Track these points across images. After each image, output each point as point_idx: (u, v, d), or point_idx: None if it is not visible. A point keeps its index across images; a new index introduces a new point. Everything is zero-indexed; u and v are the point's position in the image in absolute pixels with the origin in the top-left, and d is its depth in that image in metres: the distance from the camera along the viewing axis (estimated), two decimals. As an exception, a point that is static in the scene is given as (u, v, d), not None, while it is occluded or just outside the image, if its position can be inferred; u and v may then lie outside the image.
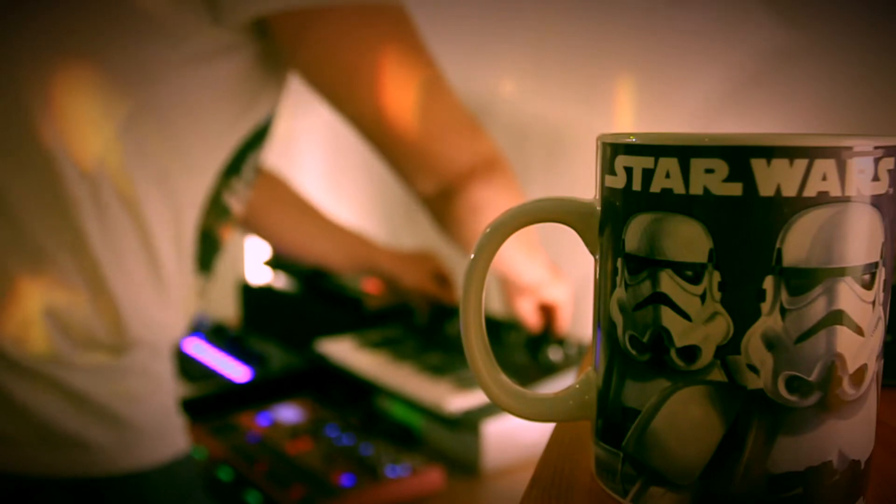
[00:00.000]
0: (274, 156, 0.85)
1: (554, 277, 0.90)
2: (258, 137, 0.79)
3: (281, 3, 0.65)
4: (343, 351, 1.12)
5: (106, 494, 0.71)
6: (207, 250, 0.79)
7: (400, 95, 0.72)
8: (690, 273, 0.28)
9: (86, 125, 0.66)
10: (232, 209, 0.80)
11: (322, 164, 1.71)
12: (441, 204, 0.81)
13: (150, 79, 0.66)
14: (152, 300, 0.72)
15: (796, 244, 0.27)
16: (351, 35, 0.70)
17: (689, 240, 0.28)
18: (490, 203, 0.78)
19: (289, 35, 0.69)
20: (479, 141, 0.80)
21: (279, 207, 1.08)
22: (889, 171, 0.28)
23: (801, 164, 0.26)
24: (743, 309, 0.28)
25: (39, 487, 0.69)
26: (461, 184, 0.79)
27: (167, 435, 0.76)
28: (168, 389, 0.77)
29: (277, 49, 0.72)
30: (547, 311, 0.95)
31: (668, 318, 0.29)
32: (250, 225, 1.07)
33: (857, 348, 0.28)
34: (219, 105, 0.71)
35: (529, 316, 0.93)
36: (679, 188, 0.28)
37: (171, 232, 0.72)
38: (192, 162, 0.72)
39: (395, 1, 0.71)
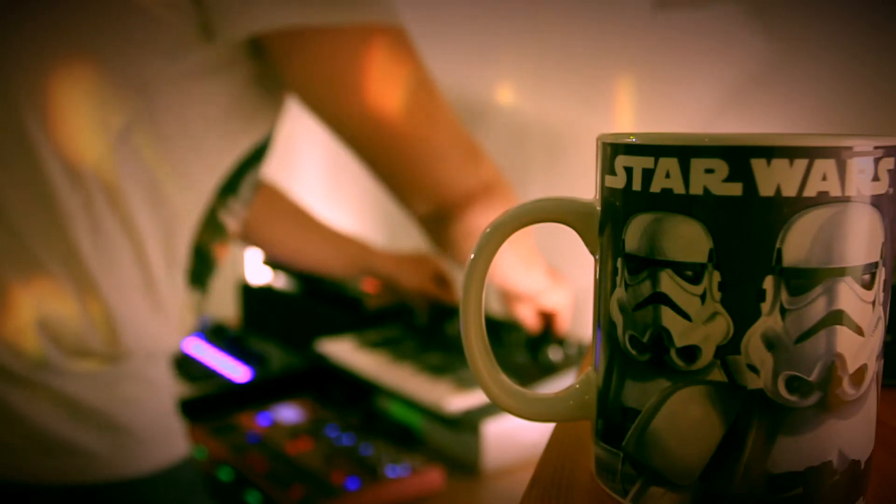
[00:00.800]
0: (272, 160, 0.85)
1: (553, 283, 0.90)
2: (256, 157, 0.79)
3: (273, 21, 0.65)
4: (343, 351, 1.12)
5: (104, 501, 0.71)
6: (201, 267, 0.78)
7: (397, 118, 0.71)
8: (690, 273, 0.28)
9: (80, 136, 0.66)
10: (228, 228, 0.80)
11: (320, 167, 1.71)
12: (437, 226, 0.81)
13: (146, 92, 0.66)
14: (146, 312, 0.72)
15: (796, 244, 0.27)
16: (346, 55, 0.69)
17: (689, 240, 0.28)
18: None
19: (282, 54, 0.69)
20: (479, 165, 0.79)
21: (274, 217, 1.08)
22: (889, 171, 0.28)
23: (801, 164, 0.26)
24: (743, 309, 0.28)
25: (36, 495, 0.69)
26: (458, 208, 0.78)
27: (166, 439, 0.75)
28: (165, 394, 0.77)
29: (272, 69, 0.72)
30: (547, 316, 0.95)
31: (668, 318, 0.29)
32: (247, 236, 1.07)
33: (857, 348, 0.28)
34: (214, 124, 0.71)
35: (529, 320, 0.93)
36: (679, 188, 0.28)
37: (164, 247, 0.72)
38: (187, 179, 0.71)
39: (393, 21, 0.71)
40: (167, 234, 0.72)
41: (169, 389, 0.78)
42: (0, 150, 0.66)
